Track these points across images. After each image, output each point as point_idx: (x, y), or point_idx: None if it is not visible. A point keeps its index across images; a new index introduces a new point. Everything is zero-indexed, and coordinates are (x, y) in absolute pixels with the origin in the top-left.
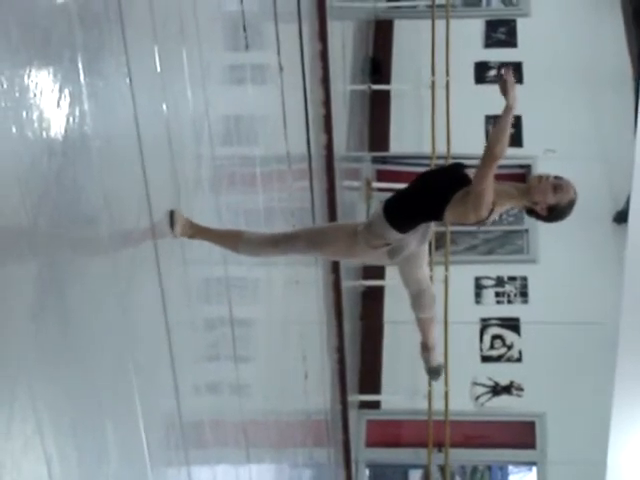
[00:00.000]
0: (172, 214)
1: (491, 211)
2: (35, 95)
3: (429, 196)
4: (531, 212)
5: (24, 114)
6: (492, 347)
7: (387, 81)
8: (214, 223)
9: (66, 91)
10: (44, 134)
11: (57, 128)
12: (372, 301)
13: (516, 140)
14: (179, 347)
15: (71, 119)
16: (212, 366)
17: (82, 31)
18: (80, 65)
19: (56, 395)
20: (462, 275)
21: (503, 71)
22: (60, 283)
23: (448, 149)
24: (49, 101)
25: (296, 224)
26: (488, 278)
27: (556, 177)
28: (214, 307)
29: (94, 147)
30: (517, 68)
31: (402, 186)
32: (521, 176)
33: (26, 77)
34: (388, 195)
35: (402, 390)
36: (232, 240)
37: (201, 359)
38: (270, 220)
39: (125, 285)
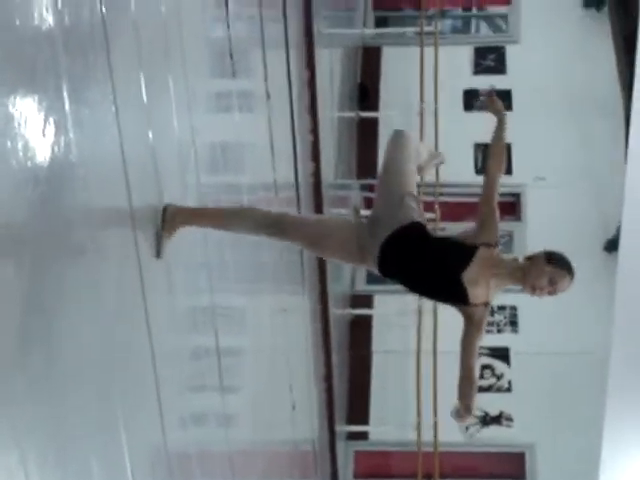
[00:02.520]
0: (165, 210)
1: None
2: (20, 124)
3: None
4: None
5: (8, 143)
6: (482, 377)
7: (375, 108)
8: (199, 249)
9: (51, 120)
10: (29, 163)
11: (42, 157)
12: (360, 330)
13: (506, 168)
14: (165, 377)
15: (56, 148)
16: (198, 396)
17: (67, 59)
18: (65, 93)
19: (40, 427)
20: None
21: (487, 94)
22: (45, 313)
23: (437, 176)
24: (34, 130)
25: (282, 250)
26: None
27: (549, 258)
28: (200, 336)
29: (79, 175)
30: (506, 95)
31: None
32: (511, 205)
33: (10, 106)
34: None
35: (391, 421)
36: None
37: (187, 389)
38: (257, 248)
39: (110, 315)
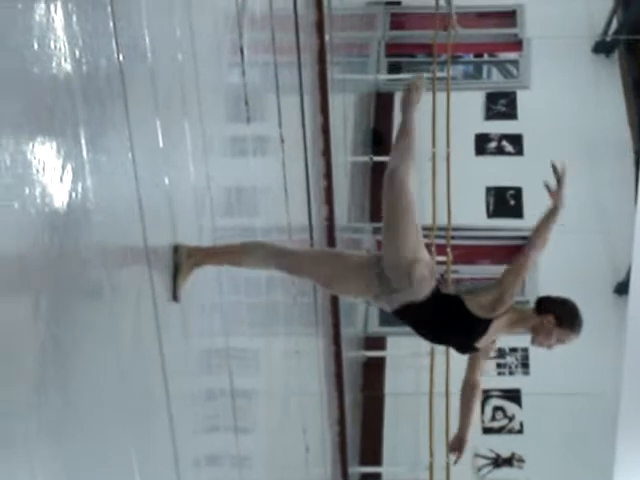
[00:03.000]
0: (176, 250)
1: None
2: (38, 171)
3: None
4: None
5: (27, 190)
6: (493, 419)
7: (388, 153)
8: (214, 294)
9: (69, 167)
10: (46, 209)
11: (59, 203)
12: (373, 372)
13: (516, 212)
14: (179, 418)
15: (73, 194)
16: (212, 438)
17: (85, 106)
18: (83, 140)
19: (55, 468)
20: None
21: (558, 166)
22: (62, 356)
23: (449, 220)
24: (52, 177)
25: (296, 294)
26: None
27: (560, 321)
28: (214, 378)
29: (96, 222)
30: (517, 140)
31: None
32: (522, 248)
33: (29, 153)
34: None
35: (403, 462)
36: (238, 254)
37: (201, 430)
38: (271, 290)
39: (126, 357)
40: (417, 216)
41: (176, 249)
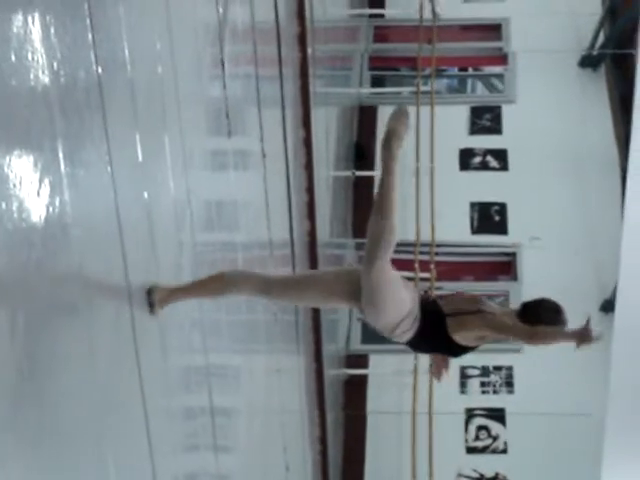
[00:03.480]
0: (150, 291)
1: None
2: (15, 185)
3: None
4: None
5: (3, 205)
6: (477, 438)
7: (371, 167)
8: (194, 310)
9: (46, 180)
10: (23, 224)
11: (37, 218)
12: (355, 390)
13: (501, 228)
14: (158, 436)
15: (51, 209)
16: (191, 456)
17: (63, 119)
18: (61, 154)
19: None
20: None
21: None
22: (39, 371)
23: (432, 236)
24: (29, 191)
25: (277, 310)
26: (473, 367)
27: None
28: (194, 396)
29: (74, 236)
30: (502, 155)
31: None
32: (506, 264)
33: (6, 167)
34: None
35: None
36: (216, 282)
37: (180, 449)
38: (252, 307)
39: (103, 374)
40: (399, 282)
41: (149, 290)
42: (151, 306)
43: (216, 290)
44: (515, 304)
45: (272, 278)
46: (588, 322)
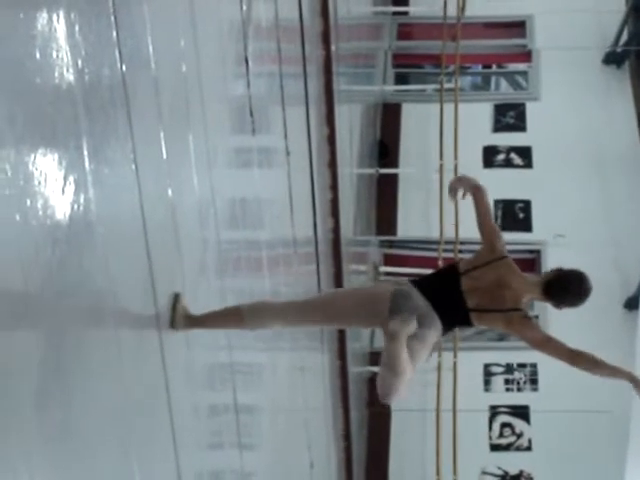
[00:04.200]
0: (176, 297)
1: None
2: (40, 182)
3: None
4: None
5: (28, 202)
6: (501, 435)
7: (395, 165)
8: (219, 305)
9: (71, 178)
10: (48, 222)
11: (61, 215)
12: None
13: (525, 225)
14: (182, 434)
15: (76, 206)
16: (216, 454)
17: (88, 118)
18: (85, 152)
19: None
20: (471, 362)
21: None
22: (64, 370)
23: (456, 234)
24: (54, 188)
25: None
26: (497, 365)
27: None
28: (218, 393)
29: (98, 234)
30: (526, 152)
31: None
32: (530, 261)
33: (31, 164)
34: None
35: (410, 479)
36: (235, 317)
37: (205, 446)
38: None
39: (129, 370)
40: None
41: (175, 297)
42: (172, 322)
43: (238, 325)
44: (539, 303)
45: (291, 306)
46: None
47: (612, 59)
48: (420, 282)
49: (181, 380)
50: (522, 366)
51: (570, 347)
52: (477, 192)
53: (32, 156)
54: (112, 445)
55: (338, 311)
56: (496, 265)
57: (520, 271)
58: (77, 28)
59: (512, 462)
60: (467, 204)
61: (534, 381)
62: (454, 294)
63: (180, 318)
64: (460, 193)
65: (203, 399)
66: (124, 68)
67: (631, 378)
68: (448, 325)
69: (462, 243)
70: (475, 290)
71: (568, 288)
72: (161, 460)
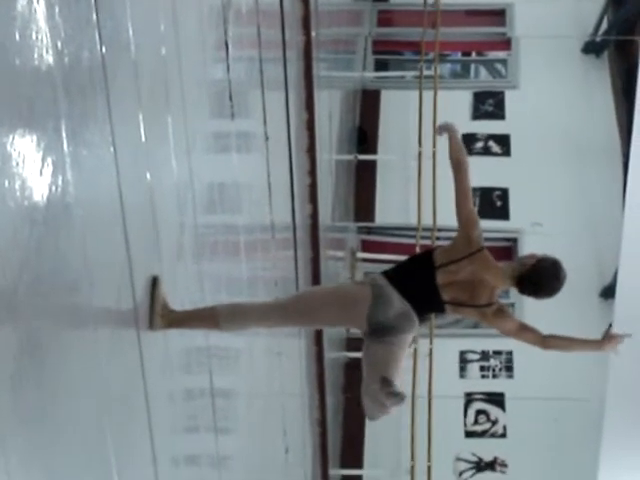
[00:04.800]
0: (154, 281)
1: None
2: (17, 164)
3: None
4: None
5: (6, 183)
6: (476, 422)
7: (374, 151)
8: (196, 292)
9: (49, 160)
10: (26, 203)
11: (39, 197)
12: (355, 373)
13: (503, 213)
14: (158, 417)
15: (53, 188)
16: (191, 437)
17: (67, 99)
18: (64, 134)
19: (32, 465)
20: (447, 349)
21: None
22: (40, 352)
23: (434, 221)
24: (31, 170)
25: (278, 293)
26: (473, 352)
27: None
28: (194, 377)
29: (76, 216)
30: (505, 140)
31: (387, 257)
32: (507, 249)
33: (9, 145)
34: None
35: (384, 464)
36: (211, 320)
37: (180, 430)
38: (253, 289)
39: (105, 355)
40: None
41: (154, 281)
42: (150, 319)
43: (214, 328)
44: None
45: (268, 308)
46: (609, 330)
47: (591, 48)
48: (395, 278)
49: (157, 363)
50: (498, 353)
51: (542, 333)
52: (460, 168)
53: (10, 137)
54: (87, 428)
55: (316, 315)
56: (472, 259)
57: (495, 263)
58: (57, 10)
59: (487, 449)
60: (446, 190)
61: (509, 368)
62: (429, 287)
63: (158, 318)
64: (443, 136)
65: (179, 383)
66: (104, 50)
67: (601, 345)
68: (424, 315)
69: (440, 230)
70: (450, 284)
71: (540, 282)
72: (136, 442)
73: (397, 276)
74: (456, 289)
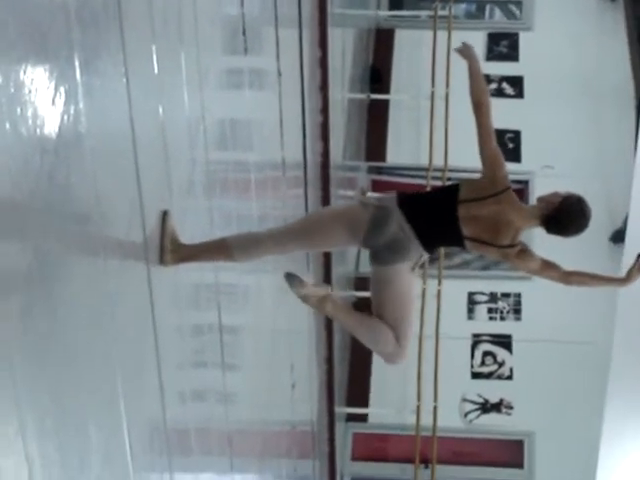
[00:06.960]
0: (164, 215)
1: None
2: (30, 92)
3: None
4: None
5: (18, 110)
6: (483, 364)
7: (386, 90)
8: (205, 228)
9: (61, 89)
10: (38, 131)
11: (51, 126)
12: (364, 312)
13: (514, 155)
14: (166, 352)
15: (65, 117)
16: (199, 373)
17: (80, 29)
18: (77, 63)
19: (40, 396)
20: (455, 290)
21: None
22: (49, 282)
23: (445, 161)
24: (44, 98)
25: None
26: (481, 294)
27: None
28: (203, 313)
29: (88, 146)
30: (518, 82)
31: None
32: (519, 192)
33: (22, 73)
34: None
35: (390, 404)
36: (223, 251)
37: (188, 365)
38: (263, 223)
39: (114, 286)
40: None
41: (164, 215)
42: (162, 252)
43: (226, 259)
44: (525, 236)
45: (277, 232)
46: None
47: None
48: (409, 201)
49: (166, 298)
50: (506, 295)
51: (564, 269)
52: (481, 109)
53: (23, 65)
54: (96, 360)
55: (323, 235)
56: (498, 199)
57: (520, 203)
58: None
59: (493, 390)
60: (458, 131)
61: (517, 311)
62: (449, 218)
63: (168, 254)
64: (459, 57)
65: (188, 318)
66: None
67: (623, 281)
68: (436, 245)
69: (451, 170)
70: (472, 219)
71: (568, 220)
72: (144, 376)
73: (411, 202)
74: (479, 227)
